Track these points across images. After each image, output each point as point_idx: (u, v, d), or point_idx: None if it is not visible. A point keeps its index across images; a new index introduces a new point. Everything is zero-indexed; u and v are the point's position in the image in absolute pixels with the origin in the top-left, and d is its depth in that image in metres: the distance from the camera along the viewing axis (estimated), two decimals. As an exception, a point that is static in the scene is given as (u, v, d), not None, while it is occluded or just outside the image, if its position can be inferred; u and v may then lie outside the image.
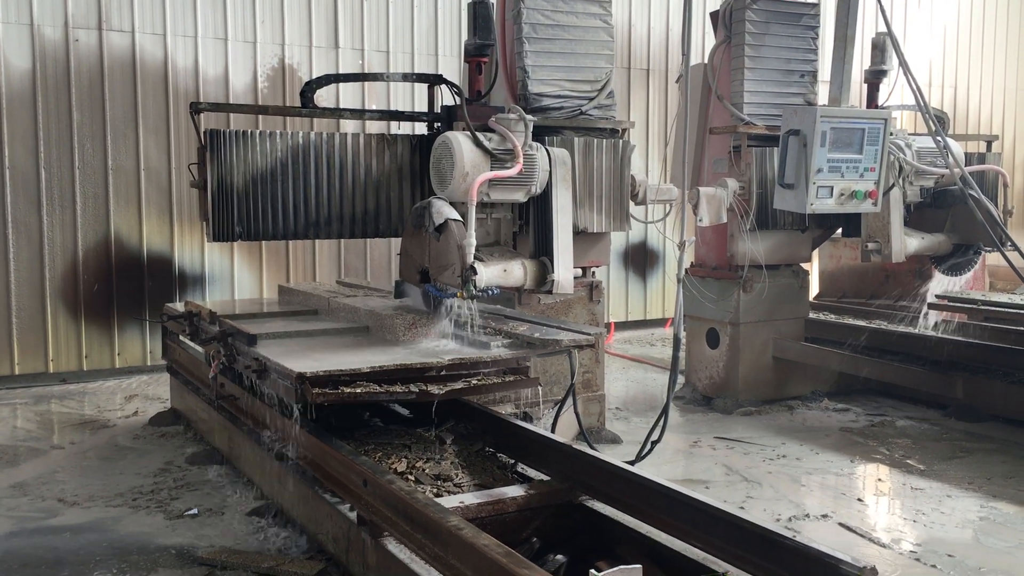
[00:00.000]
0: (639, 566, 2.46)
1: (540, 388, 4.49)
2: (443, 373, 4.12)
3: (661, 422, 5.03)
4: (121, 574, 3.98)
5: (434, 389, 4.03)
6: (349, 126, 8.22)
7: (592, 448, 4.30)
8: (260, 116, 7.91)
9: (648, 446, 5.06)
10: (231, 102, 8.01)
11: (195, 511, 4.70)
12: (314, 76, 6.11)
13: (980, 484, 5.16)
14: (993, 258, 7.46)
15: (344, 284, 6.60)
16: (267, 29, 8.35)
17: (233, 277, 8.34)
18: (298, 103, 5.31)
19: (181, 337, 6.19)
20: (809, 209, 6.06)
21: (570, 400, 4.76)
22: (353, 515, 3.82)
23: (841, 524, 4.56)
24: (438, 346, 4.54)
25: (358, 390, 3.93)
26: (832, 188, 6.05)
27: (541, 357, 4.57)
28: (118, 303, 7.89)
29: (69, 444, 5.99)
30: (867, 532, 4.46)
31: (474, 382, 4.18)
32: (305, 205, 5.16)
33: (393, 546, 3.52)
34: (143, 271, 7.98)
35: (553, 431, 4.54)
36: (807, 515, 4.68)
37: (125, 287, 7.92)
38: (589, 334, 4.45)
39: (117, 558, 4.13)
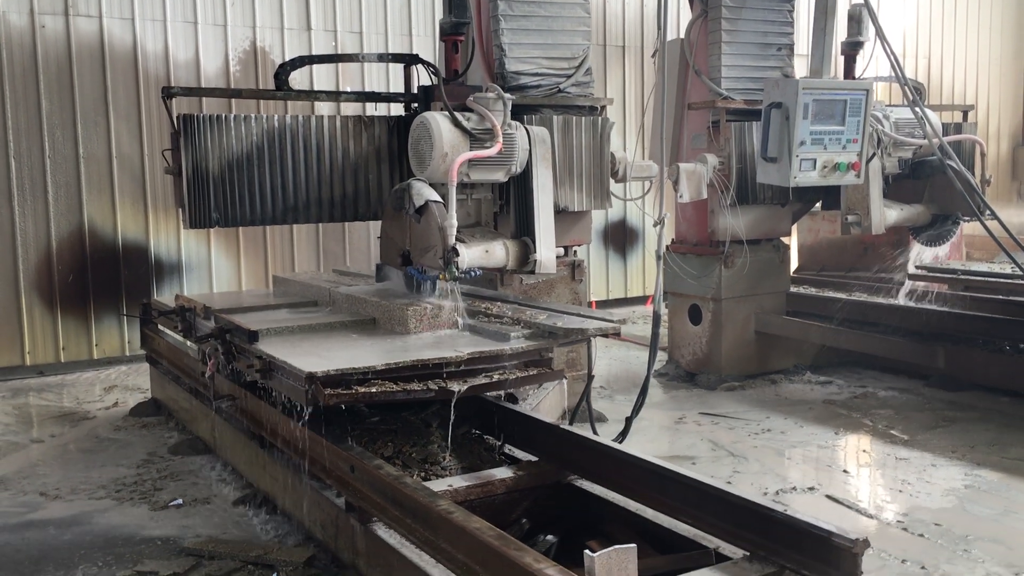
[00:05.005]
0: (633, 545, 2.44)
1: (565, 380, 4.26)
2: (462, 368, 3.86)
3: (641, 398, 5.02)
4: (107, 567, 3.93)
5: (454, 386, 3.78)
6: (323, 108, 8.14)
7: (595, 433, 4.23)
8: (233, 100, 7.80)
9: (626, 424, 5.02)
10: (203, 87, 7.90)
11: (180, 501, 4.65)
12: (287, 59, 6.02)
13: (964, 452, 5.19)
14: (970, 227, 7.50)
15: (342, 273, 6.43)
16: (237, 11, 8.22)
17: (211, 264, 8.25)
18: (271, 86, 5.23)
19: (161, 327, 6.11)
20: (793, 182, 6.03)
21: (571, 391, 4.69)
22: (341, 501, 3.78)
23: (828, 496, 4.57)
24: (453, 338, 4.27)
25: (373, 389, 3.67)
26: (815, 160, 6.01)
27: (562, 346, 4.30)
28: (94, 293, 7.79)
29: (49, 437, 5.91)
30: (854, 503, 4.48)
31: (496, 377, 3.93)
32: (283, 189, 5.09)
33: (383, 531, 3.50)
34: (118, 260, 7.87)
35: (571, 423, 4.47)
36: (794, 488, 4.69)
37: (100, 277, 7.81)
38: (612, 321, 4.20)
39: (102, 551, 4.08)
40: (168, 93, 4.98)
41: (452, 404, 3.86)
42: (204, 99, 7.70)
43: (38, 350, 7.65)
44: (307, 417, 3.80)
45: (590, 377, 4.69)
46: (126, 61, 7.79)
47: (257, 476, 4.66)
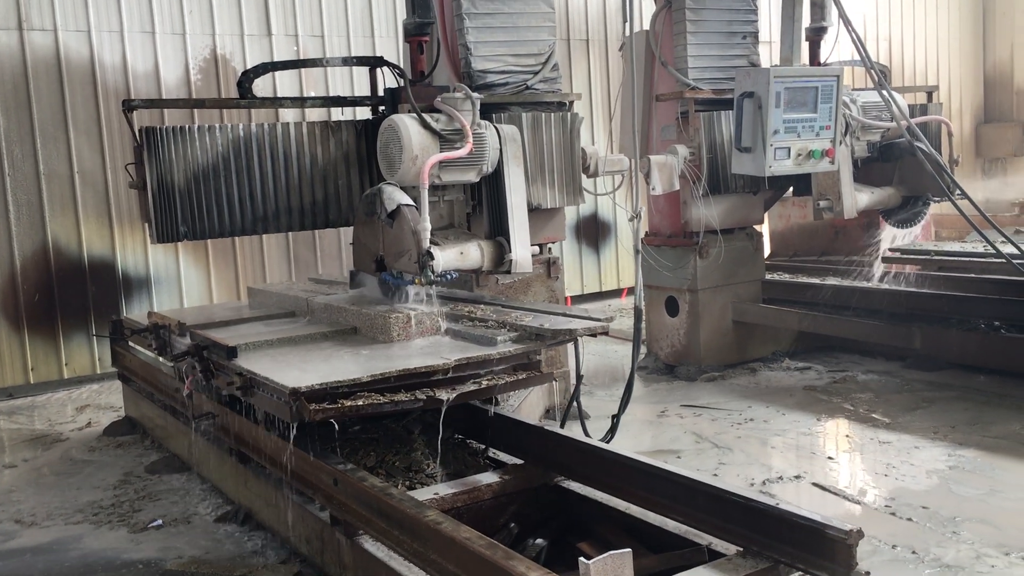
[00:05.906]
0: (628, 550, 2.40)
1: (556, 382, 4.18)
2: (450, 375, 3.75)
3: (627, 395, 4.98)
4: (87, 594, 3.85)
5: (442, 394, 3.68)
6: (288, 115, 8.02)
7: (587, 435, 4.18)
8: (196, 110, 7.67)
9: (612, 422, 4.98)
10: (164, 97, 7.77)
11: (159, 522, 4.56)
12: (248, 66, 5.93)
13: (945, 433, 5.21)
14: (937, 207, 7.55)
15: (317, 281, 6.31)
16: (196, 19, 8.09)
17: (180, 278, 8.12)
18: (233, 94, 5.15)
19: (132, 343, 5.99)
20: (768, 172, 6.01)
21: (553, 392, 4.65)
22: (325, 515, 3.72)
23: (815, 484, 4.57)
24: (437, 345, 4.15)
25: (360, 402, 3.55)
26: (789, 149, 6.00)
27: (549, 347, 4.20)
28: (62, 312, 7.63)
29: (22, 461, 5.78)
30: (841, 490, 4.47)
31: (484, 383, 3.82)
32: (251, 199, 5.00)
33: (370, 544, 3.44)
34: (85, 277, 7.72)
35: (562, 425, 4.44)
36: (780, 477, 4.68)
37: (68, 295, 7.66)
38: (600, 320, 4.15)
39: (82, 578, 3.99)
40: (128, 106, 4.87)
41: (442, 413, 3.75)
42: (165, 110, 7.57)
43: (6, 372, 7.49)
44: (293, 433, 3.71)
45: (579, 378, 4.64)
46: (84, 74, 7.64)
47: (238, 492, 4.58)
